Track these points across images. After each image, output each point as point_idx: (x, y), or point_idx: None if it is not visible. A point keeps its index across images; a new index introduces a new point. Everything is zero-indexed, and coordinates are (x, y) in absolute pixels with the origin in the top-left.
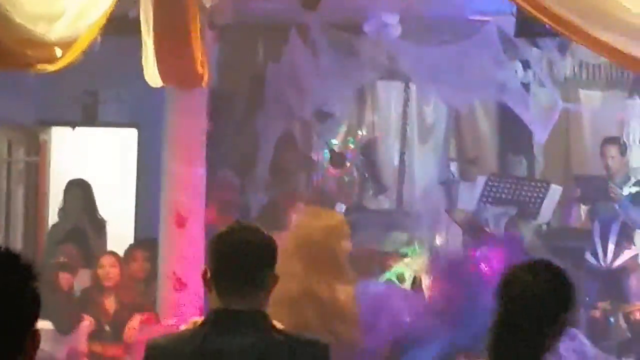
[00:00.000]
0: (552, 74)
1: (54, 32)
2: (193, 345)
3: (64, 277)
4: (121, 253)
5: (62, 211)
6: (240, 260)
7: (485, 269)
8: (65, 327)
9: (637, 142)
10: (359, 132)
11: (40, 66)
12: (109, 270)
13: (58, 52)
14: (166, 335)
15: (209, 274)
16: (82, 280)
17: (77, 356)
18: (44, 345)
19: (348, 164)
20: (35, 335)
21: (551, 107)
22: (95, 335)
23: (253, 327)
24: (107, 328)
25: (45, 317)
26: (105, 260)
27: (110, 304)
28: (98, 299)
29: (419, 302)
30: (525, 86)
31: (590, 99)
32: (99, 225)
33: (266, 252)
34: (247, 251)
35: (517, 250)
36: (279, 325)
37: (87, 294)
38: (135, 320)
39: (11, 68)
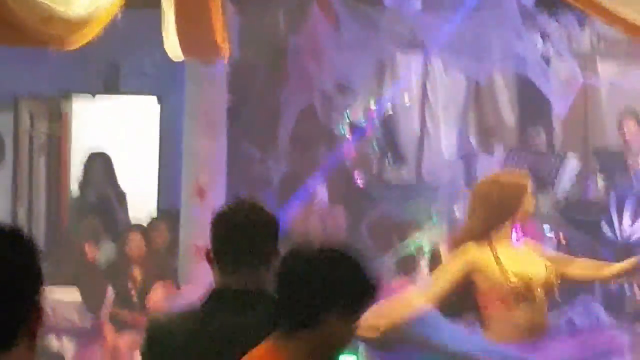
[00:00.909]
0: (572, 46)
1: (75, 10)
2: (192, 325)
3: (89, 249)
4: (143, 223)
5: (84, 183)
6: (240, 239)
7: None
8: (93, 303)
9: None
10: (379, 105)
11: (61, 43)
12: (138, 245)
13: (79, 29)
14: (168, 313)
15: (211, 253)
16: (106, 252)
17: (102, 327)
18: (71, 315)
19: (368, 136)
20: (38, 312)
21: (571, 80)
22: (122, 305)
23: (253, 307)
24: (134, 298)
25: (73, 288)
26: (133, 236)
27: (136, 275)
28: (125, 270)
29: None
30: (545, 59)
31: (608, 71)
32: (121, 197)
33: (266, 231)
34: (246, 230)
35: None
36: None
37: (114, 267)
38: (158, 290)
39: (33, 45)
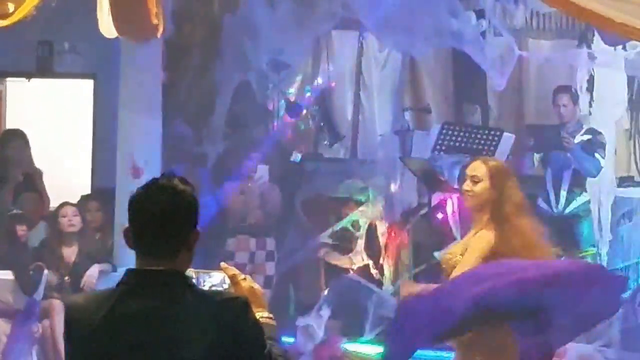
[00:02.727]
0: (506, 22)
1: None
2: (106, 308)
3: (20, 229)
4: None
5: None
6: (154, 221)
7: (441, 216)
8: (28, 284)
9: (585, 91)
10: (315, 82)
11: None
12: (72, 219)
13: (10, 7)
14: (86, 295)
15: (129, 233)
16: (38, 232)
17: (36, 306)
18: (5, 296)
19: (303, 114)
20: None
21: (507, 56)
22: (55, 287)
23: (165, 288)
24: (66, 279)
25: (5, 268)
26: (68, 210)
27: (69, 254)
28: (57, 249)
29: None
30: (482, 35)
31: (541, 48)
32: (40, 176)
33: (182, 212)
34: (161, 212)
35: None
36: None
37: (46, 245)
38: (94, 271)
39: None
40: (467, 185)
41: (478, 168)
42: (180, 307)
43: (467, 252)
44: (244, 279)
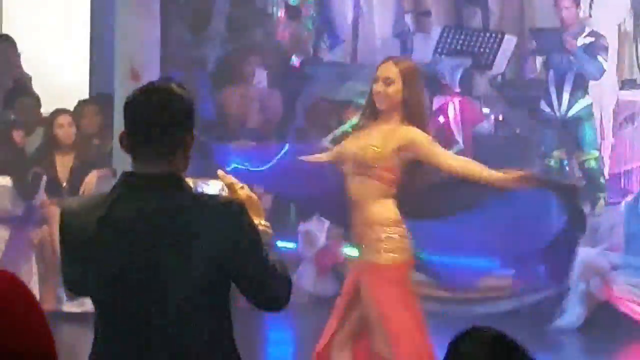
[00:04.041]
0: None
1: None
2: (101, 211)
3: (17, 135)
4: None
5: None
6: (149, 122)
7: (443, 119)
8: (26, 190)
9: None
10: None
11: None
12: (68, 130)
13: None
14: (81, 199)
15: (125, 137)
16: (36, 137)
17: (35, 212)
18: (3, 202)
19: (303, 17)
20: None
21: None
22: (53, 192)
23: (161, 191)
24: (64, 184)
25: (4, 174)
26: (64, 119)
27: (67, 160)
28: (54, 156)
29: None
30: None
31: None
32: (30, 81)
33: (178, 114)
34: (156, 114)
35: (472, 101)
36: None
37: (41, 152)
38: (93, 176)
39: None
40: (380, 86)
41: (390, 69)
42: (176, 209)
43: (434, 150)
44: (242, 187)
